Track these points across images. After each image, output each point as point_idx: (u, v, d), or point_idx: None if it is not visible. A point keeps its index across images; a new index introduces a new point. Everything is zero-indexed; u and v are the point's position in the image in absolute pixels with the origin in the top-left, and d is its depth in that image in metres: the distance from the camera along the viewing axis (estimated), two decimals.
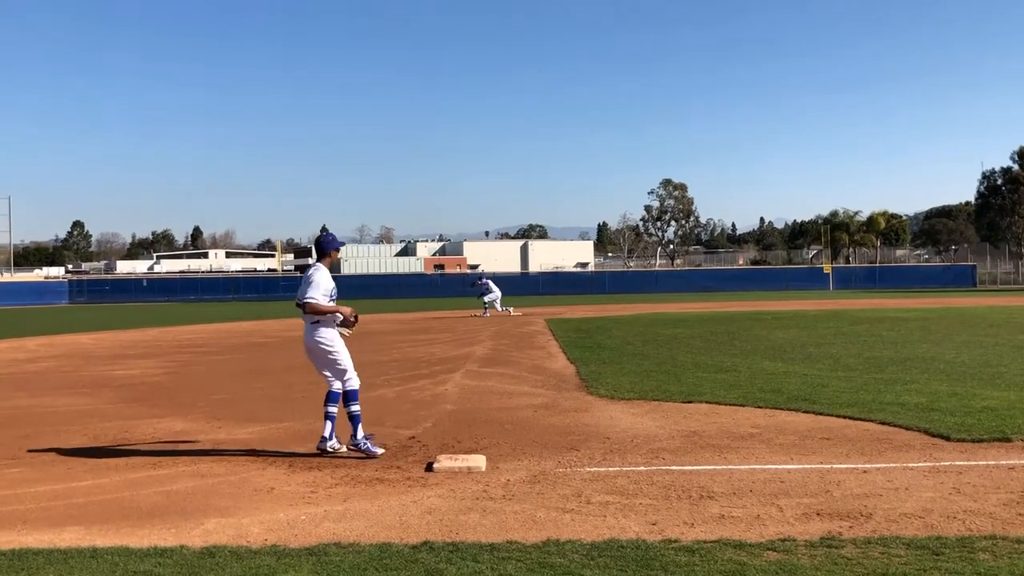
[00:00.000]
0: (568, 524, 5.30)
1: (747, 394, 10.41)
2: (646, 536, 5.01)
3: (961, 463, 6.69)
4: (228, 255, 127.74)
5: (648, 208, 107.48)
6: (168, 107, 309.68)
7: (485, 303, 31.24)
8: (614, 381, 11.87)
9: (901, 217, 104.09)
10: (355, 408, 7.45)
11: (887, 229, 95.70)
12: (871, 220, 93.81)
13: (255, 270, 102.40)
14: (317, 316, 7.37)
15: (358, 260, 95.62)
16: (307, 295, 7.29)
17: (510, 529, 5.21)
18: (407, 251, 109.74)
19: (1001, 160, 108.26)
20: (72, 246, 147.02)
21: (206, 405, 10.70)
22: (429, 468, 6.84)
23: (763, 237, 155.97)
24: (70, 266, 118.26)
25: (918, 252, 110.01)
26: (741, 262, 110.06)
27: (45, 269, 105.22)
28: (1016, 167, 77.99)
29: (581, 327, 23.57)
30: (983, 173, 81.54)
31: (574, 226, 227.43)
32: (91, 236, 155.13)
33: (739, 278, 68.67)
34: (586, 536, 5.02)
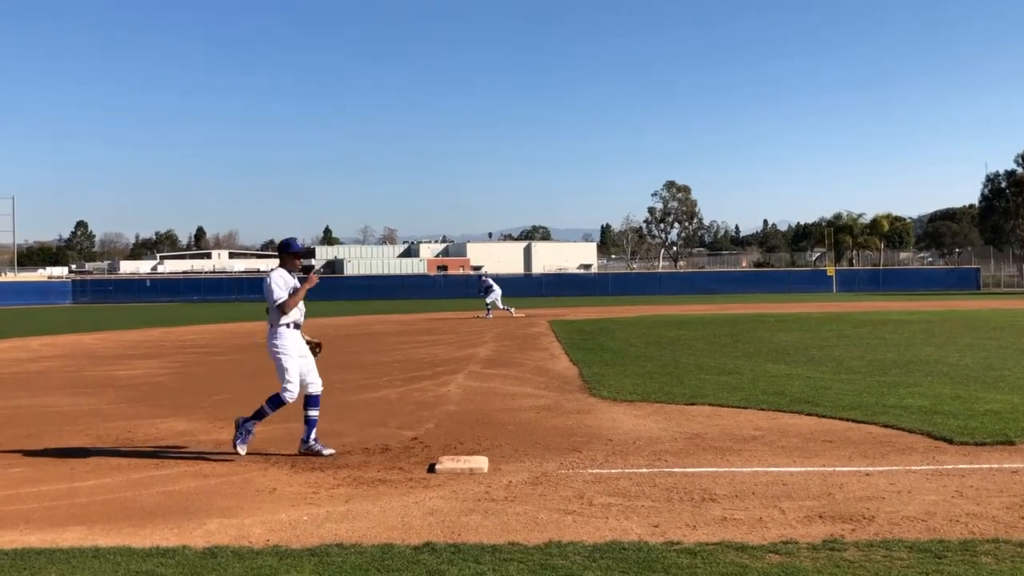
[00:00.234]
0: (570, 526, 5.30)
1: (750, 396, 10.40)
2: (648, 538, 5.01)
3: (964, 466, 6.68)
4: (231, 256, 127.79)
5: (651, 210, 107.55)
6: (172, 108, 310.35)
7: (488, 304, 31.23)
8: (617, 383, 11.87)
9: (905, 220, 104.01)
10: (269, 411, 7.50)
11: (891, 232, 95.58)
12: (875, 223, 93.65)
13: (258, 270, 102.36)
14: (284, 317, 7.43)
15: (361, 261, 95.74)
16: (276, 297, 7.40)
17: (512, 530, 5.21)
18: (410, 252, 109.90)
19: (1005, 163, 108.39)
20: (76, 246, 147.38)
21: (209, 405, 10.72)
22: (431, 469, 6.84)
23: (766, 239, 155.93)
24: (73, 266, 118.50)
25: (922, 255, 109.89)
26: (744, 264, 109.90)
27: (49, 269, 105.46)
28: (1020, 170, 77.84)
29: (584, 329, 23.57)
30: (987, 176, 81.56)
31: (577, 228, 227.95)
32: (95, 236, 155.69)
33: (742, 280, 68.57)
34: (588, 538, 5.02)
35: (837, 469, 6.70)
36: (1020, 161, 78.15)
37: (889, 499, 5.81)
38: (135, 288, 65.11)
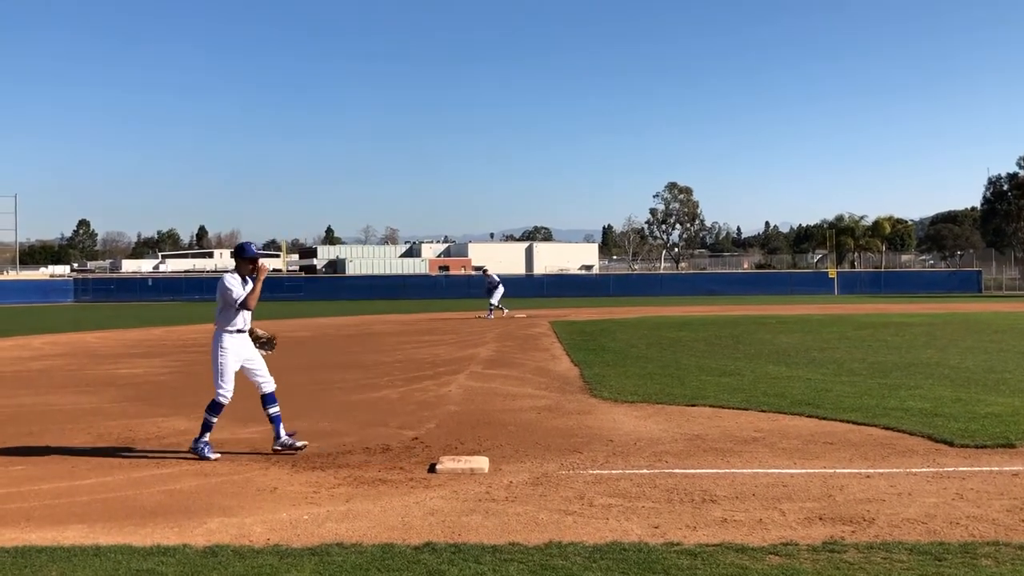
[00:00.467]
0: (570, 526, 5.30)
1: (751, 398, 10.40)
2: (648, 539, 5.01)
3: (965, 469, 6.68)
4: (233, 255, 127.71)
5: (653, 211, 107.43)
6: (174, 107, 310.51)
7: (491, 304, 31.10)
8: (618, 384, 11.87)
9: (907, 222, 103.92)
10: (212, 418, 7.54)
11: (892, 234, 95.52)
12: (876, 225, 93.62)
13: None
14: (228, 324, 7.53)
15: (363, 261, 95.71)
16: (236, 296, 7.51)
17: (512, 531, 5.22)
18: (412, 252, 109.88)
19: (1007, 166, 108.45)
20: (77, 245, 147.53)
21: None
22: (432, 469, 6.85)
23: (768, 241, 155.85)
24: (75, 265, 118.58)
25: (923, 257, 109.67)
26: (746, 266, 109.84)
27: (50, 267, 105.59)
28: (1022, 172, 77.80)
29: (585, 330, 23.57)
30: (989, 179, 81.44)
31: (579, 228, 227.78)
32: (96, 235, 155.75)
33: (744, 282, 68.50)
34: (588, 538, 5.02)
35: (838, 471, 6.70)
36: (1022, 164, 78.11)
37: (889, 501, 5.81)
38: (137, 287, 65.12)
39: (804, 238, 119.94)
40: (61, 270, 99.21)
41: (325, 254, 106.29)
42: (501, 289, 31.56)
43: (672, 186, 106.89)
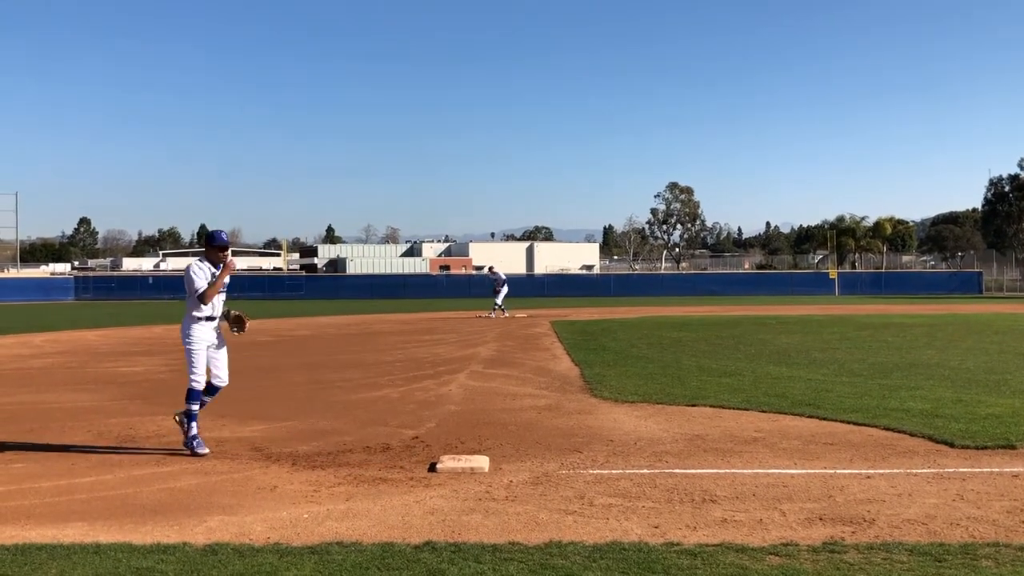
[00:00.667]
0: (570, 526, 5.30)
1: (751, 398, 10.40)
2: (648, 539, 5.01)
3: (965, 470, 6.68)
4: (234, 253, 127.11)
5: (654, 211, 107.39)
6: (175, 106, 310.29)
7: (496, 304, 30.99)
8: (618, 384, 11.87)
9: (908, 223, 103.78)
10: (193, 407, 7.64)
11: (893, 235, 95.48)
12: (877, 226, 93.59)
13: (260, 269, 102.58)
14: (196, 310, 7.63)
15: (363, 260, 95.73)
16: (197, 286, 7.57)
17: (512, 530, 5.22)
18: (413, 251, 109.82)
19: (1008, 167, 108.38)
20: (78, 243, 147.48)
21: (210, 403, 10.71)
22: (432, 468, 6.85)
23: (769, 241, 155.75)
24: (76, 263, 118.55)
25: (924, 258, 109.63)
26: (747, 266, 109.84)
27: (51, 265, 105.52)
28: (1023, 174, 77.79)
29: (586, 329, 23.56)
30: (990, 180, 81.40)
31: (580, 228, 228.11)
32: (97, 233, 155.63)
33: (744, 282, 68.48)
34: (588, 538, 5.02)
35: (838, 471, 6.70)
36: (1023, 165, 78.10)
37: (890, 502, 5.81)
38: (137, 285, 65.12)
39: (805, 239, 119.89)
40: (62, 268, 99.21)
41: (326, 253, 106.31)
42: (506, 288, 31.51)
43: (673, 186, 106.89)
